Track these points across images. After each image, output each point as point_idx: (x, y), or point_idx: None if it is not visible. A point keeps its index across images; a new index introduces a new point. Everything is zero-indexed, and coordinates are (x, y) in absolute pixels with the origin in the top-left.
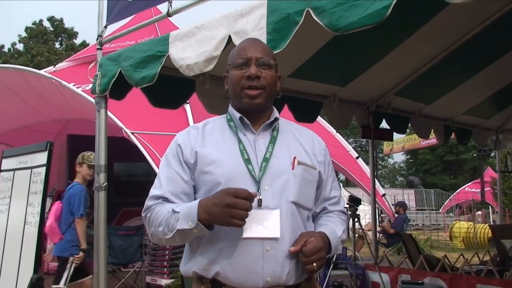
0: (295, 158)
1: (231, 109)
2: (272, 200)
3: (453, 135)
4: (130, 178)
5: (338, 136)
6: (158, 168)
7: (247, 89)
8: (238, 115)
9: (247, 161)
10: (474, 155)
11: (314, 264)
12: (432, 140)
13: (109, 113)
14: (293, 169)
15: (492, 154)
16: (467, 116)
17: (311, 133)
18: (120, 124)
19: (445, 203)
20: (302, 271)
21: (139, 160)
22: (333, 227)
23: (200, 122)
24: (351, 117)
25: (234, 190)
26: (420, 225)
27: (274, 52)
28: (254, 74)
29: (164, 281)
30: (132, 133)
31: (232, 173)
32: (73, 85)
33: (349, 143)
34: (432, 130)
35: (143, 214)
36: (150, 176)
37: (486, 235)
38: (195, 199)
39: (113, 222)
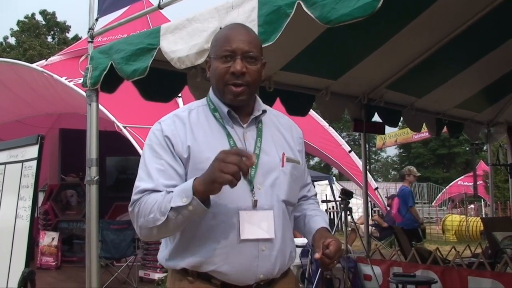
0: (284, 154)
1: (215, 99)
2: (265, 200)
3: (445, 129)
4: (122, 172)
5: (331, 130)
6: None
7: (231, 85)
8: (225, 109)
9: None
10: (467, 148)
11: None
12: (425, 133)
13: (101, 106)
14: (282, 166)
15: (485, 148)
16: (459, 109)
17: (289, 120)
18: (112, 118)
19: (437, 197)
20: (323, 269)
21: (131, 154)
22: (324, 218)
23: (180, 108)
24: (343, 111)
25: (227, 150)
26: None
27: (265, 45)
28: (239, 71)
29: (157, 275)
30: (124, 127)
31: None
32: (65, 79)
33: (342, 137)
34: (424, 124)
35: (130, 209)
36: (136, 170)
37: (478, 228)
38: None
39: (105, 217)
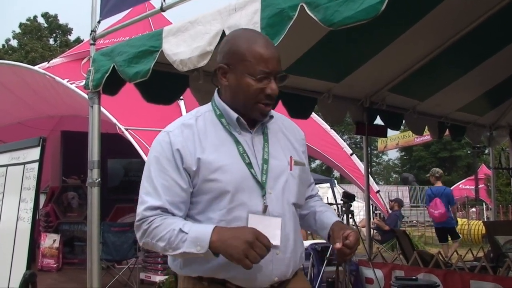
0: (291, 158)
1: (222, 105)
2: (276, 205)
3: (447, 132)
4: (124, 174)
5: (333, 133)
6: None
7: (262, 104)
8: (235, 115)
9: (249, 165)
10: (468, 152)
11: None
12: (426, 136)
13: (102, 109)
14: (291, 169)
15: (486, 151)
16: (461, 112)
17: (291, 122)
18: (114, 120)
19: None
20: (341, 260)
21: (133, 157)
22: (334, 213)
23: (187, 114)
24: (345, 114)
25: (258, 233)
26: (414, 221)
27: None
28: (276, 94)
29: (158, 278)
30: (126, 129)
31: (239, 180)
32: (67, 81)
33: (344, 140)
34: (426, 127)
35: (137, 223)
36: (139, 172)
37: (480, 232)
38: (191, 203)
39: (107, 219)
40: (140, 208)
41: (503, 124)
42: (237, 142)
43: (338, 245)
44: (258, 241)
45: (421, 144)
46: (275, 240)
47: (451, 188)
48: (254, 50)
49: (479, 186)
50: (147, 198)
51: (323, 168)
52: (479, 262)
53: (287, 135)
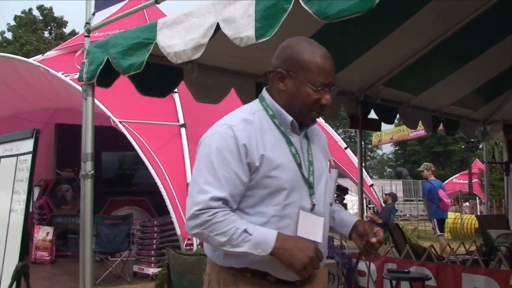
0: (330, 161)
1: (276, 107)
2: (319, 204)
3: (441, 126)
4: (119, 167)
5: (327, 127)
6: (148, 158)
7: (316, 113)
8: (290, 118)
9: (299, 166)
10: (463, 146)
11: None
12: (421, 131)
13: (96, 101)
14: (329, 172)
15: (480, 146)
16: (455, 107)
17: (318, 127)
18: (108, 113)
19: None
20: (370, 253)
21: (127, 150)
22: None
23: (241, 110)
24: (339, 107)
25: (318, 249)
26: (407, 215)
27: (262, 40)
28: (329, 105)
29: (151, 270)
30: (120, 122)
31: (294, 179)
32: (62, 74)
33: (338, 134)
34: (420, 121)
35: (197, 212)
36: (138, 165)
37: (472, 226)
38: (244, 196)
39: (101, 212)
40: (202, 197)
41: (497, 118)
42: (290, 143)
43: (374, 239)
44: (317, 259)
45: (415, 139)
46: (318, 237)
47: (445, 182)
48: (317, 62)
49: (473, 181)
50: (208, 187)
51: None
52: (471, 256)
53: (321, 140)
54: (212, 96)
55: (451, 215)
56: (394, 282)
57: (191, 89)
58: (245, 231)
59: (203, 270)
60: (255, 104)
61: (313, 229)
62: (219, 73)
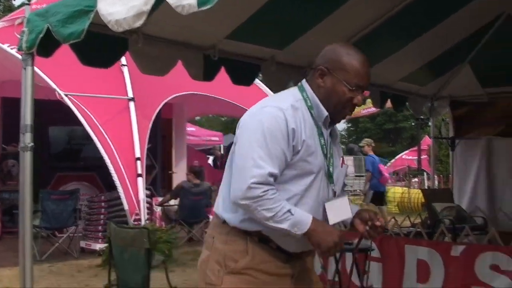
0: (343, 158)
1: (315, 100)
2: (338, 190)
3: (389, 103)
4: (67, 142)
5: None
6: (95, 132)
7: (347, 110)
8: (325, 112)
9: (325, 157)
10: (413, 123)
11: None
12: (372, 108)
13: (41, 73)
14: (341, 166)
15: (430, 123)
16: (403, 83)
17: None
18: (53, 86)
19: None
20: (371, 236)
21: (77, 124)
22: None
23: (286, 95)
24: (289, 81)
25: (343, 236)
26: (357, 190)
27: (204, 8)
28: (360, 105)
29: (98, 246)
30: (66, 95)
31: (321, 166)
32: (7, 46)
33: None
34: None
35: (254, 184)
36: (88, 139)
37: (419, 200)
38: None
39: (48, 187)
40: (258, 171)
41: (444, 95)
42: (321, 134)
43: (379, 222)
44: (340, 242)
45: (367, 116)
46: (348, 214)
47: (395, 158)
48: (355, 65)
49: (422, 157)
50: (263, 163)
51: None
52: (415, 228)
53: (337, 137)
54: (158, 68)
55: (399, 189)
56: (337, 254)
57: (136, 60)
58: (289, 211)
59: (144, 243)
60: (296, 92)
61: (341, 210)
62: (165, 45)
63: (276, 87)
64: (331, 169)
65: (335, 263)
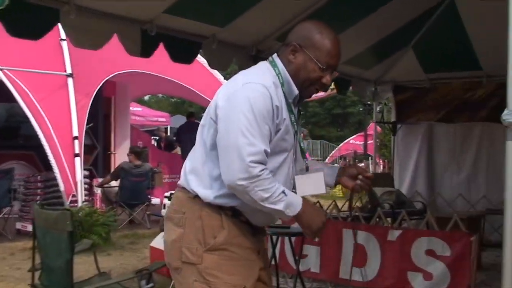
0: (303, 132)
1: (287, 77)
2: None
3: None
4: (5, 119)
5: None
6: (31, 109)
7: (314, 88)
8: (296, 91)
9: (296, 133)
10: (360, 109)
11: None
12: (322, 93)
13: None
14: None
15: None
16: (347, 66)
17: None
18: None
19: (330, 154)
20: (364, 189)
21: (16, 101)
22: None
23: (264, 71)
24: (231, 60)
25: (326, 216)
26: None
27: None
28: (328, 85)
29: None
30: (1, 69)
31: (293, 143)
32: None
33: None
34: None
35: (252, 163)
36: (27, 117)
37: None
38: None
39: None
40: (253, 149)
41: (387, 79)
42: (291, 111)
43: (369, 174)
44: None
45: (316, 100)
46: (322, 189)
47: (343, 142)
48: (327, 44)
49: (368, 142)
50: (256, 141)
51: None
52: (353, 212)
53: (299, 112)
54: (92, 41)
55: None
56: (274, 238)
57: (69, 32)
58: (283, 192)
59: (67, 225)
60: (270, 68)
61: (314, 185)
62: (100, 17)
63: (218, 66)
64: (302, 144)
65: (272, 247)
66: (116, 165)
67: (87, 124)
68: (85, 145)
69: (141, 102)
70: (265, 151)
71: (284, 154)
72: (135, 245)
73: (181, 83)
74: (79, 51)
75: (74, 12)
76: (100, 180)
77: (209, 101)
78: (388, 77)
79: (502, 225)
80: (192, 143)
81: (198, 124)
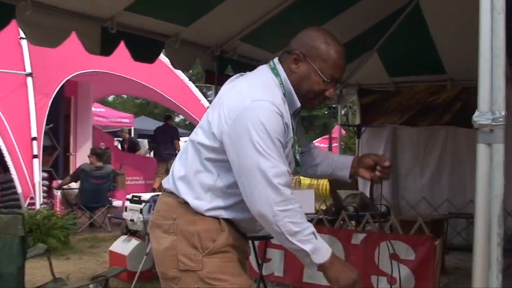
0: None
1: (289, 88)
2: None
3: None
4: None
5: (191, 85)
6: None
7: (317, 101)
8: (298, 104)
9: (294, 146)
10: (326, 112)
11: None
12: None
13: None
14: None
15: (343, 112)
16: None
17: None
18: None
19: None
20: (383, 179)
21: None
22: None
23: (271, 85)
24: (194, 61)
25: (359, 277)
26: None
27: None
28: (331, 98)
29: None
30: None
31: (291, 158)
32: None
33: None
34: None
35: (283, 186)
36: None
37: (327, 186)
38: None
39: None
40: (279, 169)
41: (352, 82)
42: (292, 124)
43: (387, 162)
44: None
45: None
46: (311, 208)
47: None
48: (333, 56)
49: (333, 145)
50: (277, 163)
51: (187, 123)
52: (317, 215)
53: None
54: (49, 39)
55: None
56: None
57: (25, 29)
58: (313, 233)
59: (19, 230)
60: (274, 77)
61: (304, 202)
62: (58, 14)
63: (181, 66)
64: (297, 156)
65: None
66: (77, 167)
67: (47, 124)
68: (45, 146)
69: (105, 103)
70: (288, 171)
71: None
72: (95, 249)
73: (145, 84)
74: (39, 50)
75: (31, 8)
76: (60, 182)
77: (174, 103)
78: (353, 80)
79: (465, 228)
80: (167, 146)
81: (174, 127)
